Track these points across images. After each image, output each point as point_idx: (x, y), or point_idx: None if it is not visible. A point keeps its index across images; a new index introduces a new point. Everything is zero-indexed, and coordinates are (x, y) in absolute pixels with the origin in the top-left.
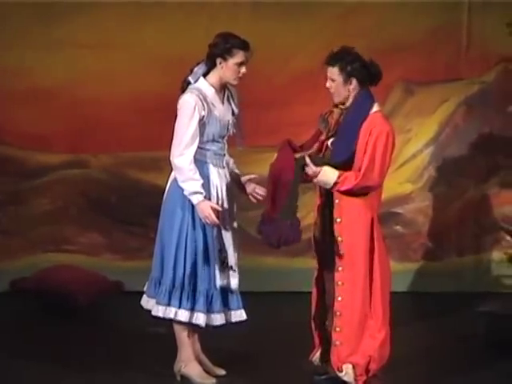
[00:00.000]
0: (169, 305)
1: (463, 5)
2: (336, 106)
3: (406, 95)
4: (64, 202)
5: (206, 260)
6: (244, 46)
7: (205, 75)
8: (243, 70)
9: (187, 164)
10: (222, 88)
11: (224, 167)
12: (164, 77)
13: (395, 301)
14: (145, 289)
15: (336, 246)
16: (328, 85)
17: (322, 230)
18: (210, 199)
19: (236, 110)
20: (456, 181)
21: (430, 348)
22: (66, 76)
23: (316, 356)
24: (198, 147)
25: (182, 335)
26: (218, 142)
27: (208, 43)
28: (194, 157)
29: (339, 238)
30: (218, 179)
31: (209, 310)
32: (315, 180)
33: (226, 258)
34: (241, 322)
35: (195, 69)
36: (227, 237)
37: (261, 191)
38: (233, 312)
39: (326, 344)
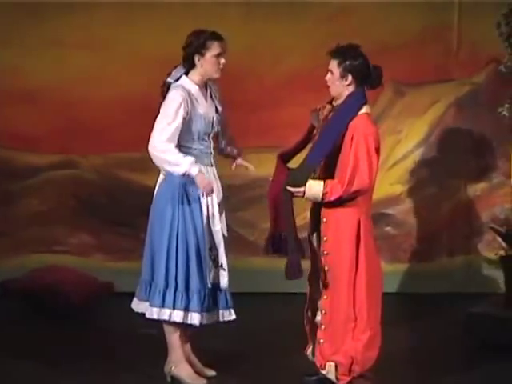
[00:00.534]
0: (163, 306)
1: (453, 5)
2: (331, 101)
3: (396, 96)
4: (54, 202)
5: (198, 259)
6: (217, 36)
7: (186, 74)
8: (222, 60)
9: (172, 146)
10: (205, 85)
11: (212, 165)
12: (153, 77)
13: (386, 302)
14: (136, 292)
15: (321, 246)
16: (327, 77)
17: (312, 230)
18: (198, 197)
19: (220, 108)
20: (447, 182)
21: (421, 349)
22: (55, 76)
23: (309, 351)
24: (185, 146)
25: (173, 336)
26: (203, 140)
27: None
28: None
29: (324, 238)
30: (207, 177)
31: (202, 310)
32: (305, 198)
33: (216, 256)
34: (230, 322)
35: (173, 72)
36: (217, 235)
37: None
38: (222, 311)
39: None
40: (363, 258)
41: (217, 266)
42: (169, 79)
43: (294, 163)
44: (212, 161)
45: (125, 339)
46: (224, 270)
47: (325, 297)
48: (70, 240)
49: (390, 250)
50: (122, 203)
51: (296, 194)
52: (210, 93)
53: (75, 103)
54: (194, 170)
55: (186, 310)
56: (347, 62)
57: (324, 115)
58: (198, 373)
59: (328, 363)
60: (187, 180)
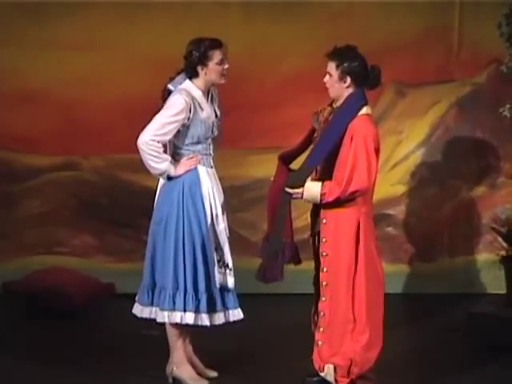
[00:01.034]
0: (173, 309)
1: (454, 6)
2: (331, 103)
3: (397, 97)
4: (55, 204)
5: (205, 260)
6: (217, 44)
7: (189, 79)
8: (226, 66)
9: (160, 145)
10: (208, 90)
11: (212, 167)
12: (154, 78)
13: (387, 302)
14: (136, 298)
15: (320, 247)
16: (325, 79)
17: (313, 231)
18: (201, 199)
19: (218, 112)
20: (448, 182)
21: (422, 349)
22: (55, 78)
23: None
24: (185, 149)
25: (175, 337)
26: (202, 142)
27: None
28: (181, 158)
29: (323, 239)
30: (208, 179)
31: (211, 310)
32: (303, 200)
33: (222, 256)
34: (238, 321)
35: (176, 78)
36: (221, 235)
37: None
38: (231, 311)
39: None
40: (362, 259)
41: (222, 266)
42: (170, 86)
43: (295, 165)
44: (212, 163)
45: (126, 340)
46: (230, 269)
47: (323, 298)
48: (72, 241)
49: (391, 250)
50: (124, 204)
51: (294, 196)
52: (211, 97)
53: (76, 104)
54: (172, 171)
55: (197, 311)
56: (345, 64)
57: (324, 117)
58: (200, 374)
59: (326, 365)
60: (189, 182)
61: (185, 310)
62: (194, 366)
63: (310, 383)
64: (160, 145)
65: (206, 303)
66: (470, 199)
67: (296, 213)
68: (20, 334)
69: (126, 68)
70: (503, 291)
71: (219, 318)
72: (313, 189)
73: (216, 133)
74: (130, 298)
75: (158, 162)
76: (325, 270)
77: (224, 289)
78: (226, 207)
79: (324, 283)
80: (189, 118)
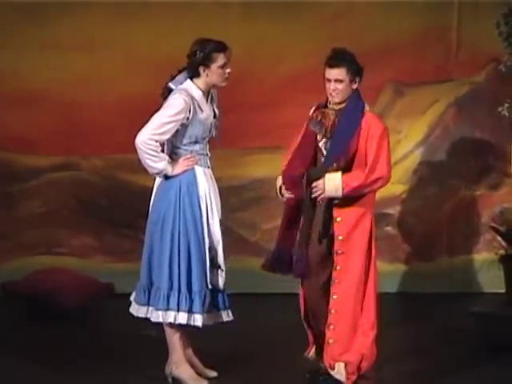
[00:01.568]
0: (167, 309)
1: (453, 6)
2: (325, 106)
3: (396, 96)
4: (55, 204)
5: (199, 260)
6: (222, 47)
7: (190, 79)
8: (228, 70)
9: (158, 145)
10: (208, 91)
11: (209, 167)
12: (153, 78)
13: (386, 301)
14: (132, 298)
15: (336, 245)
16: (333, 87)
17: (323, 231)
18: (198, 199)
19: (217, 112)
20: (447, 182)
21: (421, 348)
22: (55, 78)
23: (312, 352)
24: (182, 148)
25: (174, 338)
26: (199, 143)
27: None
28: (178, 158)
29: (339, 237)
30: (205, 179)
31: (203, 311)
32: (325, 194)
33: (215, 257)
34: (229, 322)
35: (177, 77)
36: (216, 235)
37: None
38: (221, 312)
39: (319, 340)
40: (374, 257)
41: (215, 266)
42: (171, 84)
43: None
44: (209, 163)
45: (126, 340)
46: (222, 270)
47: (335, 296)
48: (71, 242)
49: (391, 249)
50: (123, 205)
51: (315, 190)
52: (211, 97)
53: (75, 105)
54: (169, 170)
55: (190, 311)
56: (354, 66)
57: (331, 120)
58: (199, 374)
59: (337, 363)
60: (186, 182)
61: (178, 310)
62: (193, 366)
63: (312, 379)
64: (158, 144)
65: (198, 304)
66: (469, 198)
67: None
68: (19, 335)
69: (126, 68)
70: (502, 290)
71: (211, 319)
72: (334, 178)
73: (214, 133)
74: (130, 298)
75: (155, 161)
76: (338, 268)
77: (215, 289)
78: (224, 207)
79: (336, 281)
80: (188, 118)
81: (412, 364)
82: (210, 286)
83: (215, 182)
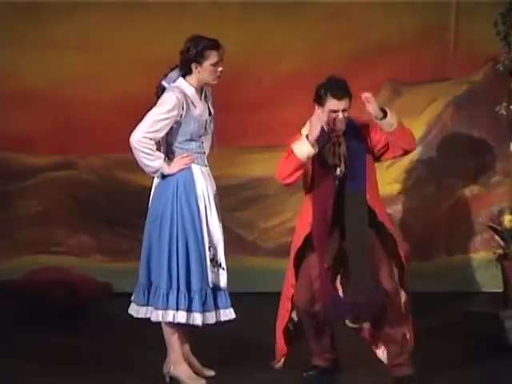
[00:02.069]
0: (167, 308)
1: (451, 5)
2: (336, 135)
3: (394, 95)
4: (52, 203)
5: (198, 259)
6: (215, 45)
7: (182, 77)
8: (220, 68)
9: (152, 143)
10: (201, 88)
11: (206, 165)
12: (151, 78)
13: None
14: (132, 298)
15: (399, 248)
16: (341, 116)
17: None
18: (195, 197)
19: (212, 110)
20: (445, 181)
21: (419, 348)
22: (52, 77)
23: (281, 363)
24: (178, 147)
25: (172, 337)
26: (195, 140)
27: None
28: (175, 156)
29: (390, 231)
30: (202, 177)
31: (203, 310)
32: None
33: (215, 255)
34: (229, 321)
35: (170, 74)
36: (215, 234)
37: None
38: (222, 311)
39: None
40: None
41: (215, 265)
42: (164, 82)
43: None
44: (205, 161)
45: (124, 339)
46: (223, 269)
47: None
48: (69, 241)
49: None
50: (121, 204)
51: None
52: (205, 95)
53: (73, 104)
54: (165, 169)
55: (189, 310)
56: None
57: (343, 145)
58: (197, 373)
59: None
60: (183, 181)
61: (177, 309)
62: (191, 365)
63: (310, 377)
64: (153, 142)
65: (198, 302)
66: (467, 197)
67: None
68: (17, 334)
69: (124, 68)
70: (500, 289)
71: (211, 318)
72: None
73: (209, 131)
74: (128, 297)
75: (151, 159)
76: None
77: (216, 288)
78: (222, 206)
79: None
80: (181, 115)
81: None
82: (210, 285)
83: (213, 181)
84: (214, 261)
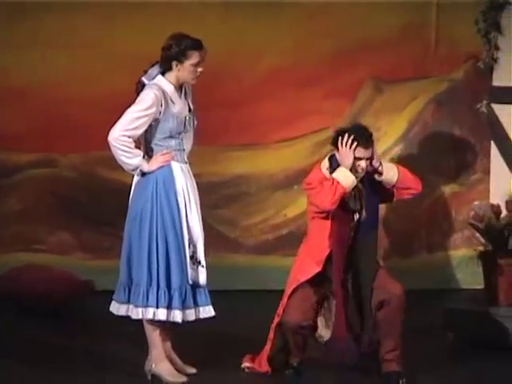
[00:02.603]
0: (146, 305)
1: (431, 3)
2: (357, 179)
3: (375, 93)
4: (33, 201)
5: (178, 256)
6: (198, 46)
7: (162, 74)
8: (200, 69)
9: (131, 141)
10: (180, 85)
11: (186, 162)
12: (133, 76)
13: None
14: (114, 295)
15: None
16: (364, 164)
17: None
18: (175, 195)
19: (192, 107)
20: (426, 178)
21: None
22: (35, 75)
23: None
24: (158, 144)
25: (153, 334)
26: (175, 138)
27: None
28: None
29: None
30: (182, 174)
31: (183, 307)
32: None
33: (194, 252)
34: (209, 319)
35: (149, 70)
36: (195, 231)
37: None
38: (202, 308)
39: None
40: None
41: (195, 262)
42: (144, 78)
43: None
44: (185, 158)
45: (105, 337)
46: (202, 266)
47: None
48: (50, 238)
49: None
50: (102, 201)
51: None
52: (185, 92)
53: (54, 102)
54: (145, 167)
55: (169, 307)
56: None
57: (361, 191)
58: (179, 370)
59: None
60: (163, 178)
61: (157, 307)
62: (172, 363)
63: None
64: (131, 140)
65: (178, 300)
66: (448, 195)
67: (275, 209)
68: None
69: (105, 66)
70: (481, 286)
71: (191, 315)
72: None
73: (189, 128)
74: (110, 295)
75: (129, 157)
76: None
77: (196, 285)
78: (203, 204)
79: None
80: (160, 113)
81: None
82: (190, 282)
83: (193, 178)
84: (194, 258)
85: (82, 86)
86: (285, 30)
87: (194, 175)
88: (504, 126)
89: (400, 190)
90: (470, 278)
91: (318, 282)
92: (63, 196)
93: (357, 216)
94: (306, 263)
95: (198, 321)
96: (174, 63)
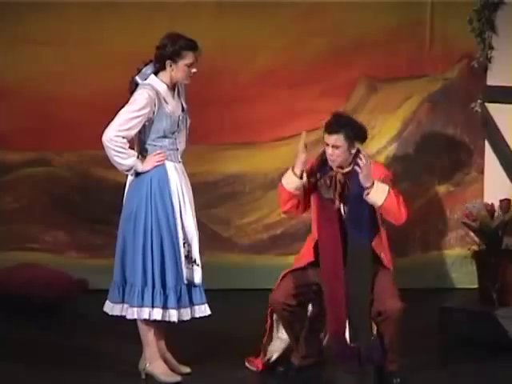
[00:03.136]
0: (142, 305)
1: (426, 2)
2: (337, 171)
3: (369, 92)
4: (28, 200)
5: (173, 255)
6: (193, 46)
7: (155, 73)
8: (194, 70)
9: (125, 141)
10: (174, 85)
11: (180, 162)
12: (126, 75)
13: None
14: (108, 295)
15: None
16: (330, 151)
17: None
18: (169, 194)
19: (185, 106)
20: (420, 177)
21: None
22: (27, 73)
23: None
24: (151, 144)
25: (147, 333)
26: (168, 137)
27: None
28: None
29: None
30: (176, 174)
31: (178, 306)
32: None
33: (189, 251)
34: (205, 317)
35: (143, 69)
36: (190, 230)
37: None
38: (197, 307)
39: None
40: None
41: (190, 261)
42: (137, 78)
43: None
44: (179, 157)
45: (99, 336)
46: (198, 265)
47: None
48: (44, 237)
49: None
50: (97, 200)
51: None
52: (178, 91)
53: (49, 100)
54: (139, 167)
55: (165, 307)
56: (352, 132)
57: (341, 183)
58: (173, 370)
59: None
60: (157, 178)
61: (153, 306)
62: (166, 362)
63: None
64: (125, 140)
65: (173, 299)
66: (442, 194)
67: (269, 208)
68: None
69: (99, 64)
70: (475, 286)
71: (186, 314)
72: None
73: (182, 127)
74: (104, 294)
75: (123, 157)
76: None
77: (191, 284)
78: (198, 203)
79: None
80: (153, 113)
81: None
82: (185, 281)
83: (187, 177)
84: (189, 257)
85: (74, 84)
86: (279, 29)
87: (188, 174)
88: (498, 126)
89: (382, 211)
90: (465, 277)
91: (312, 272)
92: (57, 195)
93: (337, 205)
94: (302, 252)
95: (193, 320)
96: (168, 63)
